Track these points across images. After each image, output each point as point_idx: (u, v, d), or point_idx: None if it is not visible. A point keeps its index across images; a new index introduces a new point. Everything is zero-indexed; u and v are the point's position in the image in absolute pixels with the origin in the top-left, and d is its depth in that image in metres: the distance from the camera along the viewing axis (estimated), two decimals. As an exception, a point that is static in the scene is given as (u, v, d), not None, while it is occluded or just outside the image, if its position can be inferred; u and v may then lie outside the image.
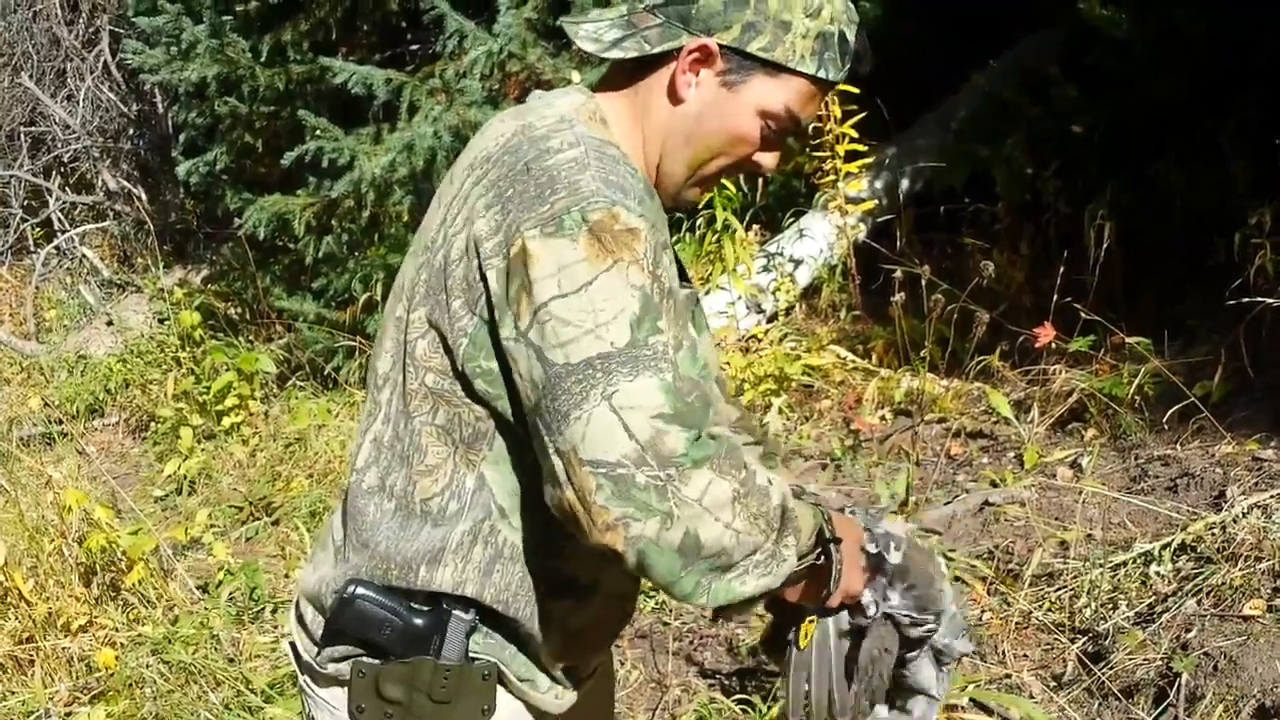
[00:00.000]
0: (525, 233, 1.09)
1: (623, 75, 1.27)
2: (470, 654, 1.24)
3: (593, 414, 1.04)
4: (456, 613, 1.22)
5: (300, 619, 1.34)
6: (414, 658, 1.23)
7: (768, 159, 1.29)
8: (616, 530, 1.04)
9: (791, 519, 1.13)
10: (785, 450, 3.62)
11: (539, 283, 1.08)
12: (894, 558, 1.28)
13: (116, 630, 3.22)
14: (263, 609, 3.37)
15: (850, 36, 1.25)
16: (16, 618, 3.21)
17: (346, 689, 1.26)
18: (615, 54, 1.23)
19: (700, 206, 4.33)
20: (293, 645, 1.36)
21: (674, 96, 1.24)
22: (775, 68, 1.22)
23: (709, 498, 1.05)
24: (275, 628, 3.26)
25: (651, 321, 1.07)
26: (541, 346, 1.08)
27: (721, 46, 1.21)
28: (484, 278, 1.13)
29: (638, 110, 1.26)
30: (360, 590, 1.23)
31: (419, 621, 1.23)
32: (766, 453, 1.54)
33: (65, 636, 3.18)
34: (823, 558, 1.21)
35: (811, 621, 1.31)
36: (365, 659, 1.25)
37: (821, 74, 1.23)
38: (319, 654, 1.29)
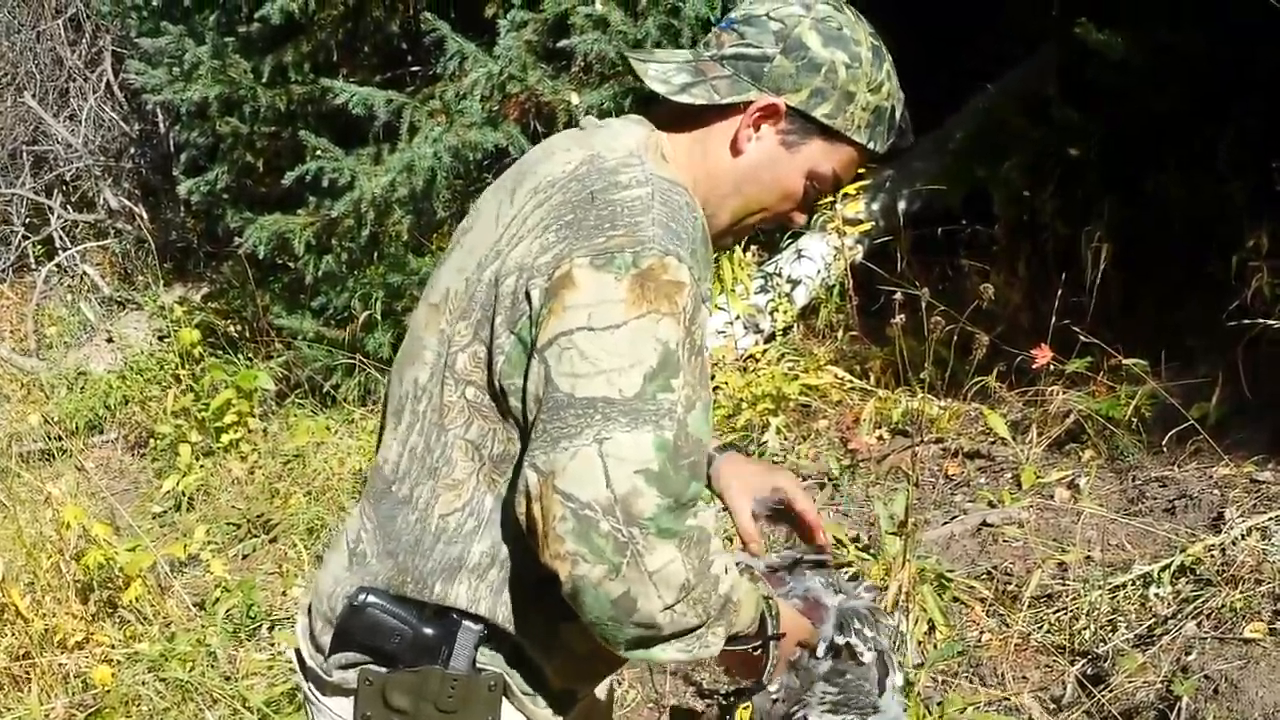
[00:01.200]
0: (575, 259, 1.13)
1: (686, 118, 1.31)
2: (477, 665, 1.25)
3: (580, 451, 1.07)
4: (466, 623, 1.24)
5: (308, 627, 1.35)
6: (422, 667, 1.23)
7: (800, 217, 1.37)
8: (565, 561, 1.08)
9: (730, 610, 1.18)
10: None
11: (572, 310, 1.11)
12: (864, 656, 1.41)
13: (113, 647, 3.22)
14: (260, 626, 3.36)
15: (899, 113, 1.34)
16: (13, 634, 3.21)
17: (353, 698, 1.27)
18: (684, 98, 1.28)
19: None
20: (298, 653, 1.36)
21: (734, 147, 1.29)
22: (833, 134, 1.29)
23: (661, 576, 1.08)
24: (272, 645, 3.25)
25: (665, 378, 1.09)
26: (553, 369, 1.10)
27: (789, 107, 1.27)
28: (528, 296, 1.16)
29: (696, 154, 1.31)
30: (371, 599, 1.25)
31: (429, 631, 1.24)
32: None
33: (62, 653, 3.18)
34: (760, 650, 1.28)
35: (747, 708, 1.41)
36: (372, 667, 1.26)
37: (871, 145, 1.31)
38: (325, 661, 1.29)
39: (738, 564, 1.29)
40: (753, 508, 1.51)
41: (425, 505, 1.24)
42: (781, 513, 1.53)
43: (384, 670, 1.25)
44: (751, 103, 1.27)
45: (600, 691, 1.46)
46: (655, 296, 1.10)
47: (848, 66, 1.27)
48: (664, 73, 1.30)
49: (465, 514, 1.23)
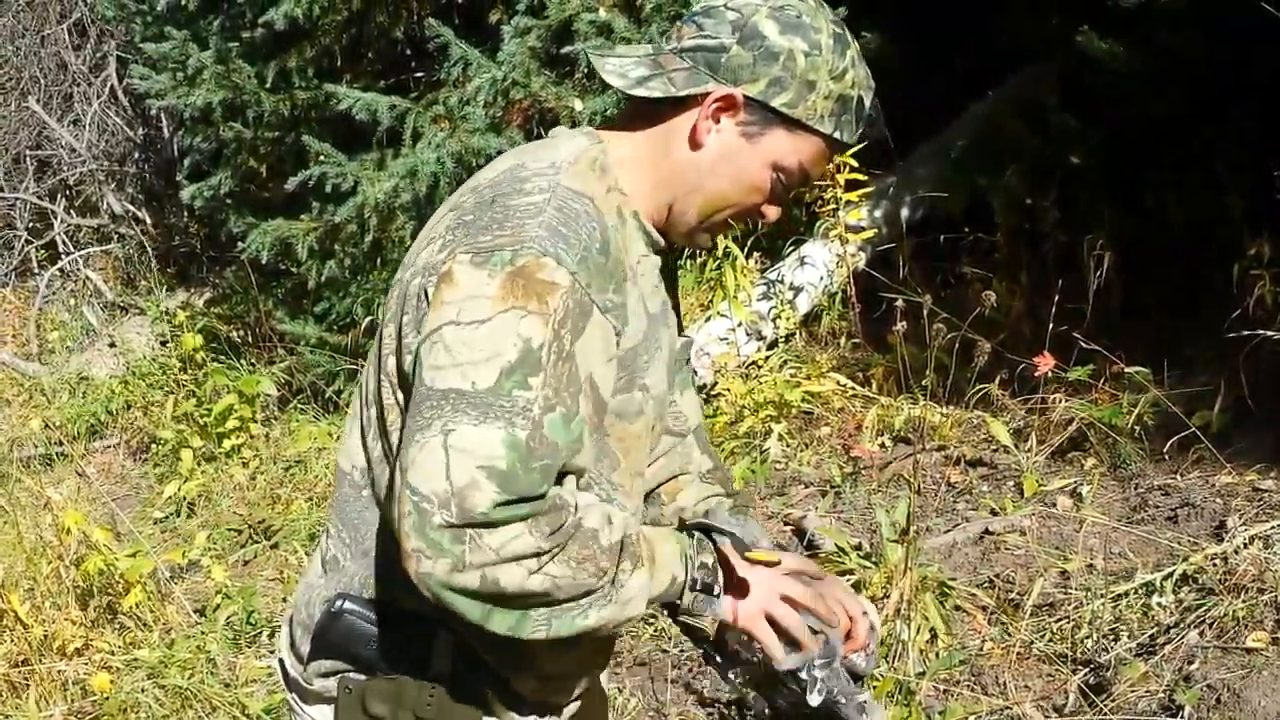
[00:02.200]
0: (458, 256, 1.13)
1: (644, 114, 1.29)
2: (455, 674, 1.24)
3: (428, 443, 1.07)
4: (442, 631, 1.22)
5: (290, 636, 1.34)
6: (399, 675, 1.23)
7: (772, 211, 1.32)
8: (410, 560, 1.07)
9: (634, 556, 1.16)
10: (785, 476, 3.61)
11: (445, 305, 1.11)
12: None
13: (113, 654, 3.21)
14: (260, 633, 3.36)
15: (868, 102, 1.29)
16: (12, 640, 3.20)
17: (333, 706, 1.26)
18: (640, 91, 1.25)
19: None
20: (281, 663, 1.36)
21: (694, 141, 1.26)
22: (795, 124, 1.25)
23: (508, 550, 1.06)
24: (272, 652, 3.25)
25: (523, 375, 1.08)
26: (422, 364, 1.11)
27: (746, 98, 1.24)
28: (425, 294, 1.17)
29: (659, 151, 1.28)
30: (348, 605, 1.24)
31: (405, 638, 1.23)
32: (738, 505, 1.57)
33: (61, 659, 3.18)
34: (702, 597, 1.26)
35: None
36: (352, 675, 1.25)
37: (838, 135, 1.27)
38: (305, 670, 1.29)
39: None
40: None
41: (387, 510, 1.24)
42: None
43: (363, 678, 1.24)
44: (709, 94, 1.24)
45: (590, 690, 1.45)
46: (524, 294, 1.09)
47: (807, 54, 1.23)
48: (621, 67, 1.28)
49: None
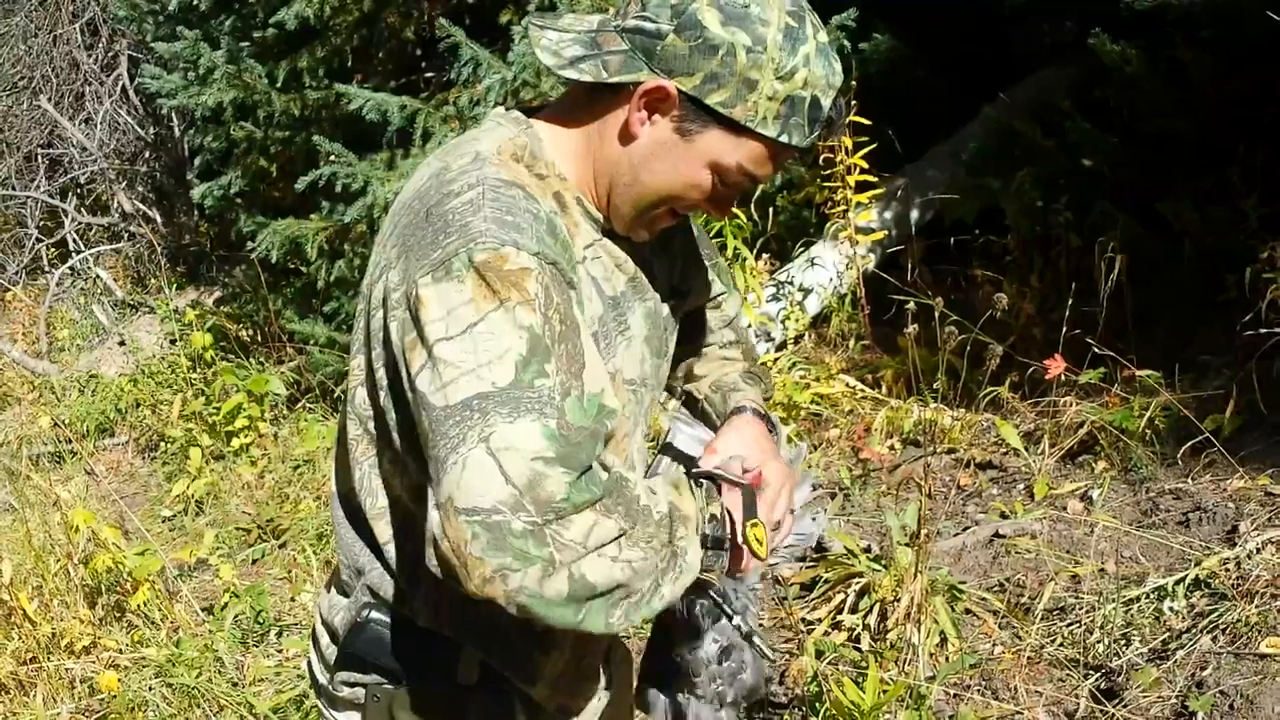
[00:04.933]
0: (419, 280, 1.06)
1: (581, 97, 1.22)
2: (480, 683, 1.23)
3: (468, 458, 0.97)
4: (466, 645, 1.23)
5: (315, 640, 1.34)
6: (426, 684, 1.22)
7: (716, 208, 1.23)
8: (495, 583, 0.96)
9: (679, 521, 1.10)
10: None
11: (428, 326, 1.04)
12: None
13: (120, 652, 3.21)
14: (267, 632, 3.35)
15: (824, 103, 1.17)
16: (20, 638, 3.20)
17: (361, 713, 1.26)
18: (571, 74, 1.17)
19: (711, 235, 4.34)
20: (310, 666, 1.36)
21: (626, 134, 1.18)
22: (733, 125, 1.14)
23: (593, 538, 0.99)
24: (280, 651, 3.24)
25: (539, 363, 1.01)
26: (426, 392, 1.03)
27: (681, 92, 1.14)
28: (387, 329, 1.11)
29: (590, 140, 1.21)
30: (374, 614, 1.23)
31: (431, 648, 1.22)
32: (751, 373, 1.57)
33: (69, 658, 3.17)
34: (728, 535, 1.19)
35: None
36: (379, 683, 1.24)
37: (784, 139, 1.15)
38: (333, 678, 1.29)
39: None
40: (710, 465, 1.34)
41: (369, 533, 1.24)
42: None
43: (390, 686, 1.24)
44: (640, 85, 1.14)
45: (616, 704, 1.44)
46: (502, 286, 1.02)
47: (749, 50, 1.12)
48: (559, 43, 1.18)
49: (396, 546, 1.22)
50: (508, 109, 1.26)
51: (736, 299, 1.63)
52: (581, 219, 1.22)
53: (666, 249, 1.39)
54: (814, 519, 1.48)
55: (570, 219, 1.20)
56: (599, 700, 1.39)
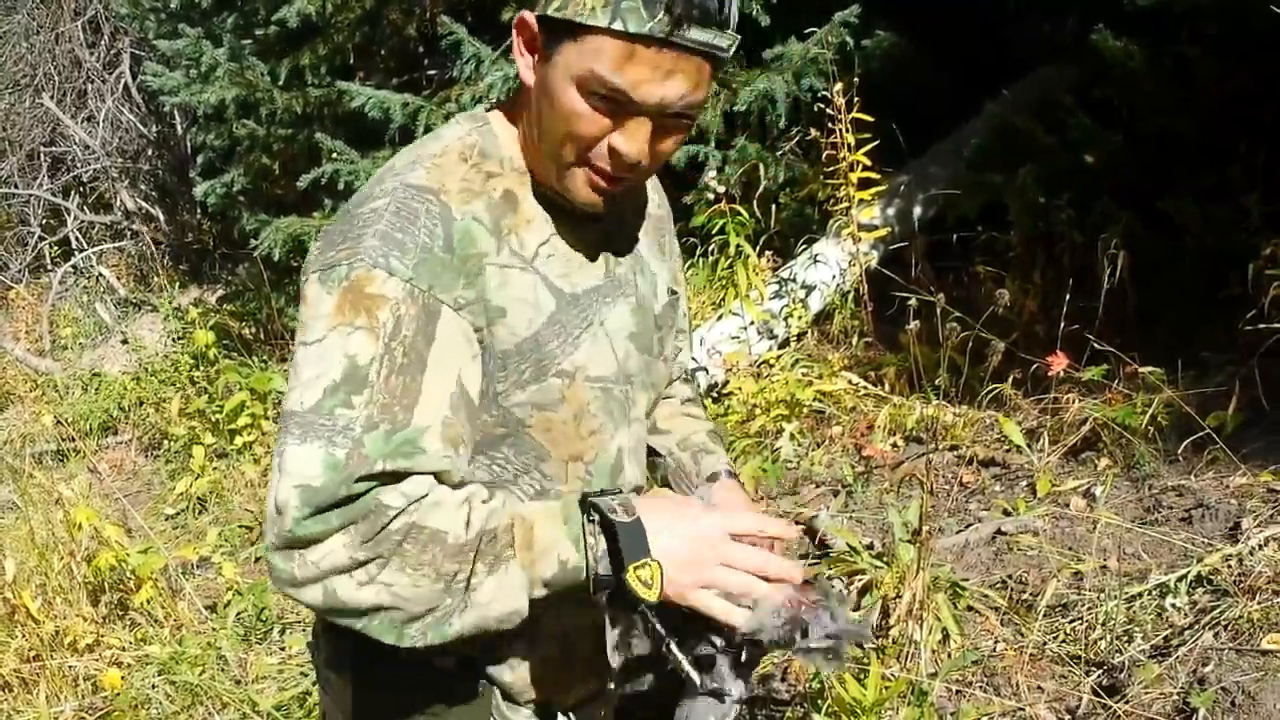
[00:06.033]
0: (310, 275, 1.11)
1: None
2: (459, 670, 1.25)
3: (272, 465, 1.08)
4: None
5: (314, 628, 1.39)
6: (407, 668, 1.24)
7: (623, 142, 1.12)
8: (270, 573, 1.07)
9: (491, 547, 1.07)
10: (797, 476, 3.60)
11: (300, 323, 1.11)
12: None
13: (123, 650, 3.22)
14: (270, 630, 3.36)
15: None
16: (23, 636, 3.21)
17: (350, 694, 1.29)
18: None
19: (714, 232, 4.34)
20: (311, 648, 1.41)
21: (524, 87, 1.17)
22: (574, 29, 1.08)
23: (326, 564, 1.04)
24: (283, 649, 3.25)
25: (346, 394, 1.04)
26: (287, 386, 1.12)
27: (537, 19, 1.12)
28: None
29: (524, 108, 1.20)
30: None
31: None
32: (713, 431, 1.56)
33: (72, 655, 3.18)
34: (610, 587, 1.10)
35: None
36: (365, 667, 1.27)
37: (618, 25, 1.05)
38: (323, 659, 1.34)
39: None
40: None
41: None
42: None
43: (376, 669, 1.26)
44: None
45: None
46: (353, 310, 1.06)
47: None
48: None
49: None
50: (488, 108, 1.26)
51: (688, 343, 1.60)
52: (536, 214, 1.20)
53: (663, 248, 1.40)
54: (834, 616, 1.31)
55: (521, 217, 1.18)
56: (603, 699, 1.39)
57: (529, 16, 1.12)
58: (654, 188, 1.45)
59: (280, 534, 1.03)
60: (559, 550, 1.09)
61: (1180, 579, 2.62)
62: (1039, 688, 2.50)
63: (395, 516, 1.05)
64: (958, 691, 2.53)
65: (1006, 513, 3.16)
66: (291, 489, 1.03)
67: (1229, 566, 2.60)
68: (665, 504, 1.16)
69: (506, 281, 1.15)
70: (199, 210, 7.46)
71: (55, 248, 8.22)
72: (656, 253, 1.39)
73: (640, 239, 1.36)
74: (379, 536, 1.04)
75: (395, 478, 1.06)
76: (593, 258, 1.25)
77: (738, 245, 4.28)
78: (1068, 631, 2.63)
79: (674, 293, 1.42)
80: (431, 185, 1.14)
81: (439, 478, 1.09)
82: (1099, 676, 2.48)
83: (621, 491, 1.16)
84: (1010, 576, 2.87)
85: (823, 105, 3.98)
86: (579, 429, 1.23)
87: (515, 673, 1.27)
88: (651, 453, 1.55)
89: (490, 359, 1.14)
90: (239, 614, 3.38)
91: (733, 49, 1.12)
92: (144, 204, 8.08)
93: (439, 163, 1.16)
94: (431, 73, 5.05)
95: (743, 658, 1.18)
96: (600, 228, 1.26)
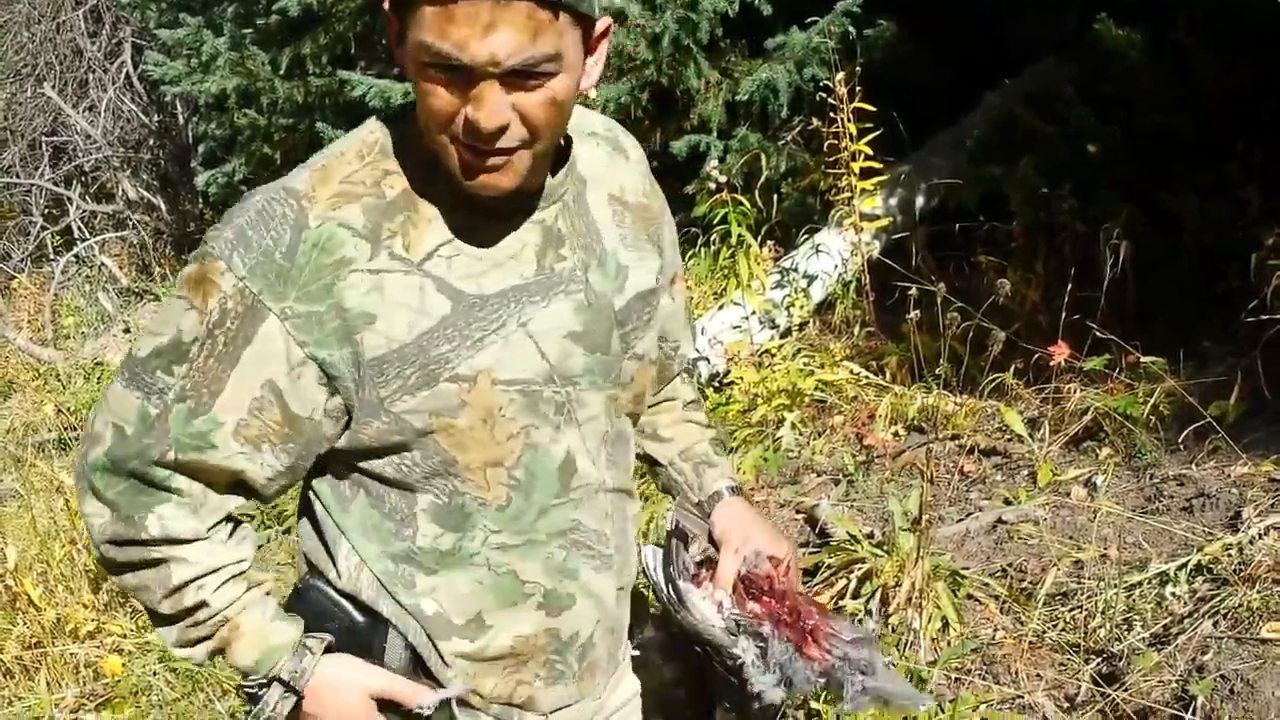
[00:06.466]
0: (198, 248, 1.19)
1: None
2: (414, 662, 1.26)
3: (103, 389, 1.22)
4: (391, 630, 1.26)
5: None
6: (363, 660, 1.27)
7: (472, 109, 1.05)
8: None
9: (195, 624, 1.23)
10: (798, 465, 3.60)
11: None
12: None
13: (124, 637, 3.23)
14: (271, 617, 3.36)
15: None
16: (25, 623, 3.22)
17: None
18: None
19: (715, 222, 4.33)
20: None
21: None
22: (406, 6, 1.05)
23: (88, 522, 1.20)
24: (284, 636, 3.25)
25: (168, 361, 1.13)
26: None
27: (390, 6, 1.09)
28: None
29: None
30: (313, 581, 1.29)
31: (360, 621, 1.27)
32: (716, 439, 1.54)
33: (73, 642, 3.19)
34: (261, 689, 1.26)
35: None
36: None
37: None
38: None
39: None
40: (739, 566, 1.38)
41: (304, 499, 1.36)
42: (759, 586, 1.38)
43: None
44: None
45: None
46: (194, 290, 1.12)
47: None
48: None
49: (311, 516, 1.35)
50: None
51: (690, 339, 1.53)
52: (438, 213, 1.14)
53: (651, 239, 1.33)
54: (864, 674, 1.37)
55: (421, 216, 1.14)
56: (576, 708, 1.35)
57: (385, 6, 1.09)
58: (644, 175, 1.35)
59: (86, 462, 1.18)
60: (262, 648, 1.25)
61: (1180, 568, 2.62)
62: (1038, 676, 2.51)
63: (147, 544, 1.18)
64: (957, 679, 2.54)
65: (1007, 502, 3.16)
66: (108, 424, 1.16)
67: (1229, 555, 2.60)
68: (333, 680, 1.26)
69: (379, 286, 1.11)
70: (201, 200, 7.44)
71: (57, 237, 8.22)
72: (638, 244, 1.30)
73: (608, 230, 1.26)
74: (125, 545, 1.19)
75: (185, 469, 1.16)
76: (518, 255, 1.17)
77: (739, 235, 4.28)
78: (1067, 620, 2.63)
79: (657, 286, 1.32)
80: (300, 190, 1.13)
81: (239, 478, 1.17)
82: (1098, 664, 2.49)
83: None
84: (1010, 565, 2.87)
85: (824, 95, 3.97)
86: (492, 434, 1.17)
87: (452, 645, 1.26)
88: (652, 462, 1.52)
89: (360, 366, 1.12)
90: (240, 602, 3.38)
91: None
92: (146, 193, 8.07)
93: (328, 164, 1.15)
94: (433, 62, 5.05)
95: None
96: (541, 223, 1.19)
